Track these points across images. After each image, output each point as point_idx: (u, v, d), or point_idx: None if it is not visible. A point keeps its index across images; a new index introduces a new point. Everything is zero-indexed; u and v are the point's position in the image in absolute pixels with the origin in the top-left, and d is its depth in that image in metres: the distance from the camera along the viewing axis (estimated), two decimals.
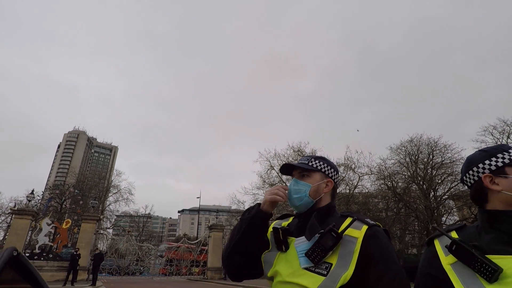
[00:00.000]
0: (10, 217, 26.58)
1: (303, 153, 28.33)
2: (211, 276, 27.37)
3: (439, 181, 23.82)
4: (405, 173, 25.10)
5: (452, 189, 23.06)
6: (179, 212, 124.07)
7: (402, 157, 25.32)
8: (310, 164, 1.38)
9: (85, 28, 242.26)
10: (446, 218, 24.61)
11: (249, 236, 1.30)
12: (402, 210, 25.06)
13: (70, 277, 17.97)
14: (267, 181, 29.56)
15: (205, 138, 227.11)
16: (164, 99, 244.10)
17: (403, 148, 25.30)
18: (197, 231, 67.30)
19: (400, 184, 25.27)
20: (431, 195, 23.86)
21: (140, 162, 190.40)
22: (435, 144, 24.09)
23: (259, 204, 1.33)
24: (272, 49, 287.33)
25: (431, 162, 24.19)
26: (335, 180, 1.41)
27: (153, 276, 29.51)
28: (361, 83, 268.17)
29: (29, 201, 22.72)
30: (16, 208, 22.73)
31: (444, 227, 1.18)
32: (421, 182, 24.25)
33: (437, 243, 1.06)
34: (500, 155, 1.05)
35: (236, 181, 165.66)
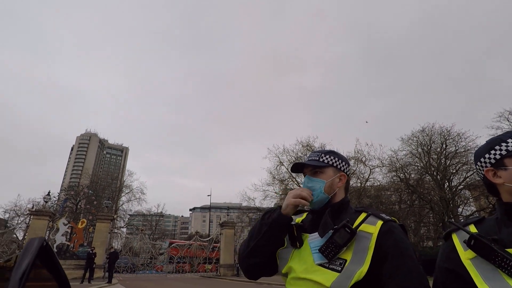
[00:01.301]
0: (28, 218, 27.31)
1: (312, 147, 28.14)
2: (224, 273, 27.56)
3: (454, 171, 23.31)
4: (418, 164, 24.66)
5: (467, 179, 22.54)
6: (190, 210, 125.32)
7: (414, 147, 24.88)
8: (321, 160, 1.35)
9: (92, 29, 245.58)
10: (463, 209, 24.11)
11: (268, 240, 1.28)
12: (416, 202, 24.67)
13: (87, 275, 18.38)
14: (276, 177, 29.52)
15: (214, 136, 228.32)
16: (172, 98, 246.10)
17: (414, 139, 24.85)
18: (209, 229, 67.75)
19: (413, 175, 24.86)
20: (445, 186, 23.39)
21: (150, 162, 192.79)
22: (448, 133, 23.57)
23: (280, 207, 1.29)
24: (276, 44, 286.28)
25: (444, 151, 23.68)
26: (348, 174, 1.39)
27: (166, 274, 29.86)
28: (369, 74, 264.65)
29: (46, 202, 23.27)
30: (34, 209, 23.38)
31: (461, 220, 1.12)
32: (434, 173, 23.77)
33: (455, 238, 1.03)
34: (497, 147, 1.01)
35: (246, 178, 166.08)
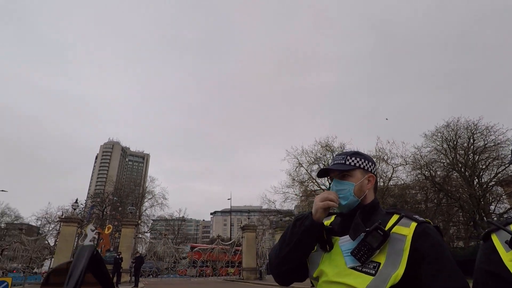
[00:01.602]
0: (59, 225, 28.46)
1: (331, 148, 27.77)
2: (247, 276, 27.55)
3: (483, 167, 22.22)
4: (444, 161, 23.71)
5: (499, 174, 21.42)
6: (211, 214, 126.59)
7: (438, 143, 23.95)
8: (348, 162, 1.31)
9: (108, 42, 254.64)
10: (495, 206, 22.89)
11: (300, 248, 1.25)
12: (444, 200, 23.74)
13: (114, 279, 18.91)
14: (296, 178, 29.33)
15: (233, 140, 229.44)
16: (190, 104, 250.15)
17: (439, 134, 23.91)
18: (230, 232, 68.14)
19: (439, 172, 23.94)
20: (475, 182, 22.33)
21: (171, 167, 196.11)
22: (475, 127, 22.49)
23: (311, 213, 1.24)
24: (290, 45, 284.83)
25: (472, 146, 22.64)
26: (376, 174, 1.36)
27: (190, 277, 30.22)
28: (387, 69, 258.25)
29: (74, 209, 24.18)
30: (63, 217, 24.33)
31: (494, 218, 1.04)
32: (462, 169, 22.77)
33: (495, 238, 0.97)
34: None
35: (265, 181, 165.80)
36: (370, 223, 1.12)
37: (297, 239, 1.23)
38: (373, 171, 1.33)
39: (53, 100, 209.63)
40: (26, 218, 48.32)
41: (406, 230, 1.08)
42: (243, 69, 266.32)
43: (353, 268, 1.10)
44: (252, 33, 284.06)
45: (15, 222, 46.80)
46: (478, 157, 22.38)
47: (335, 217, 1.39)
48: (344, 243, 1.18)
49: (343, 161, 1.32)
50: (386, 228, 1.09)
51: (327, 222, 1.36)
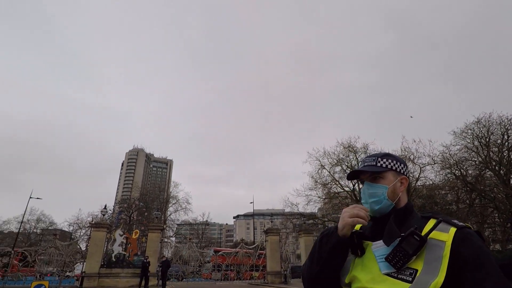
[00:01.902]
0: (89, 230, 29.62)
1: (354, 148, 27.22)
2: (272, 280, 27.40)
3: None
4: (475, 159, 22.54)
5: None
6: (234, 218, 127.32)
7: (469, 141, 22.78)
8: (379, 164, 1.26)
9: (129, 49, 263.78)
10: None
11: (330, 266, 1.21)
12: (477, 200, 22.59)
13: (143, 282, 19.38)
14: (318, 181, 28.97)
15: (253, 143, 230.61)
16: (211, 110, 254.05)
17: (469, 131, 22.74)
18: (253, 236, 68.11)
19: (470, 171, 22.82)
20: (511, 181, 21.06)
21: (195, 172, 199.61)
22: (509, 123, 21.23)
23: (336, 228, 1.20)
24: (311, 45, 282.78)
25: (506, 143, 21.39)
26: (408, 176, 1.30)
27: (215, 281, 30.45)
28: (411, 65, 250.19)
29: (103, 215, 25.09)
30: (93, 222, 25.32)
31: None
32: (496, 167, 21.55)
33: None
34: None
35: (287, 184, 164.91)
36: (405, 228, 1.08)
37: (325, 258, 1.20)
38: (405, 173, 1.28)
39: (81, 109, 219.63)
40: (59, 224, 50.94)
41: (445, 236, 1.03)
42: (263, 72, 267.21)
43: (388, 274, 1.06)
44: (272, 34, 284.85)
45: (50, 228, 49.17)
46: None
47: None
48: (378, 248, 1.14)
49: (374, 163, 1.27)
50: (423, 233, 1.04)
51: (357, 226, 1.31)
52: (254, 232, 76.96)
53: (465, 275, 0.96)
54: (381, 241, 1.14)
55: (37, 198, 34.22)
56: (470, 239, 1.02)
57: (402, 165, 1.29)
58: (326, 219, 33.74)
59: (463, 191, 22.88)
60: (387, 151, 1.34)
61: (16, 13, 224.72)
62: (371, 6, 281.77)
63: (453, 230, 1.04)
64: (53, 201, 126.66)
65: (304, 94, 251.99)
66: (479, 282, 0.94)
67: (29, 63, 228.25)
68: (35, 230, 48.93)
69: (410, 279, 1.01)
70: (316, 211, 37.67)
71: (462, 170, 22.58)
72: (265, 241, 30.34)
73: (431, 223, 1.09)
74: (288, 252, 35.44)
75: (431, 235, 1.04)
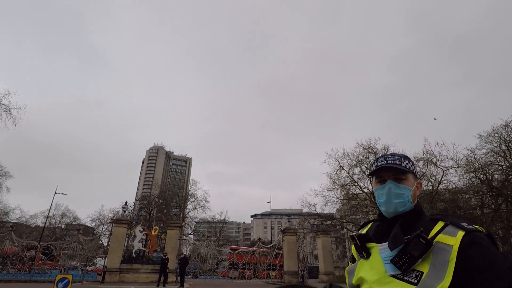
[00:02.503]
0: (111, 226, 30.61)
1: (374, 150, 26.64)
2: (288, 280, 27.37)
3: None
4: (502, 164, 21.49)
5: None
6: (251, 217, 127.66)
7: (495, 145, 21.75)
8: (404, 165, 1.24)
9: (150, 47, 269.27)
10: None
11: None
12: (503, 206, 21.58)
13: (162, 279, 19.84)
14: (337, 182, 28.56)
15: (273, 143, 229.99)
16: (230, 108, 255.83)
17: (496, 135, 21.70)
18: (271, 235, 68.08)
19: (496, 176, 21.81)
20: None
21: (213, 171, 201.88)
22: None
23: None
24: (333, 46, 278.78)
25: None
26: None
27: (233, 279, 30.77)
28: (437, 67, 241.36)
29: (124, 211, 25.86)
30: (114, 218, 26.14)
31: None
32: None
33: None
34: None
35: (305, 184, 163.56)
36: (413, 230, 1.08)
37: None
38: (419, 178, 1.30)
39: (106, 107, 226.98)
40: (83, 219, 52.83)
41: (452, 240, 1.01)
42: (282, 72, 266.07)
43: (393, 276, 1.06)
44: (294, 34, 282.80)
45: (73, 223, 50.84)
46: None
47: (372, 224, 1.37)
48: (384, 250, 1.14)
49: (399, 162, 1.24)
50: (429, 237, 1.03)
51: (363, 230, 1.36)
52: (271, 231, 76.98)
53: (472, 280, 0.94)
54: (387, 244, 1.14)
55: (62, 194, 35.78)
56: (479, 243, 0.99)
57: (416, 169, 1.30)
58: (344, 221, 33.28)
59: (488, 195, 21.93)
60: (407, 154, 1.34)
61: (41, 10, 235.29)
62: (395, 6, 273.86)
63: (461, 233, 1.02)
64: (77, 197, 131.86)
65: (325, 94, 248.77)
66: (487, 287, 0.91)
67: (57, 60, 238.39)
68: (60, 225, 50.79)
69: (416, 281, 1.00)
70: (334, 212, 37.21)
71: (487, 174, 21.61)
72: (282, 240, 30.34)
73: (439, 225, 1.08)
74: (306, 253, 35.20)
75: (438, 239, 1.03)
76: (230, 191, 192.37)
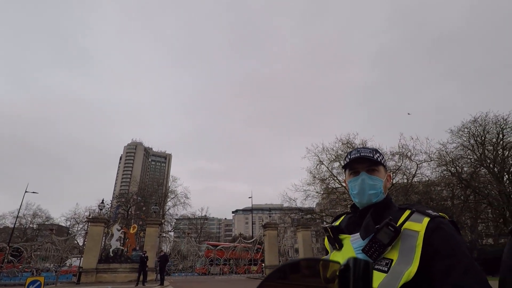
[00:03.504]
0: (86, 225, 29.63)
1: (353, 145, 27.28)
2: None
3: None
4: (471, 157, 22.73)
5: None
6: (233, 212, 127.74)
7: (465, 139, 22.97)
8: (376, 157, 1.28)
9: (133, 45, 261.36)
10: None
11: None
12: (471, 197, 22.80)
13: (141, 277, 19.47)
14: (317, 176, 29.08)
15: (254, 138, 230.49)
16: (212, 104, 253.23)
17: (465, 130, 22.93)
18: (252, 230, 68.54)
19: (465, 169, 23.01)
20: (505, 179, 21.31)
21: (196, 167, 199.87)
22: (504, 122, 21.42)
23: None
24: (317, 42, 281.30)
25: (501, 142, 21.60)
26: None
27: (214, 275, 30.71)
28: (415, 65, 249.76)
29: (101, 209, 25.08)
30: (90, 217, 25.31)
31: None
32: (491, 165, 21.77)
33: None
34: None
35: (287, 179, 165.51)
36: (382, 220, 1.11)
37: None
38: (395, 172, 1.33)
39: (79, 105, 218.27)
40: (56, 219, 50.58)
41: (418, 226, 1.05)
42: (267, 68, 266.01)
43: None
44: (279, 32, 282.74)
45: (46, 223, 48.72)
46: (508, 153, 21.34)
47: (344, 216, 1.39)
48: (356, 240, 1.17)
49: (371, 155, 1.28)
50: (398, 224, 1.07)
51: (336, 223, 1.37)
52: (252, 226, 77.44)
53: (435, 264, 0.98)
54: (358, 234, 1.17)
55: (33, 193, 34.04)
56: (443, 228, 1.03)
57: (386, 162, 1.35)
58: (324, 214, 33.95)
59: (458, 187, 23.09)
60: (383, 148, 1.38)
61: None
62: (380, 4, 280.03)
63: (426, 220, 1.05)
64: (50, 196, 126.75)
65: (308, 91, 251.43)
66: (448, 270, 0.95)
67: (25, 53, 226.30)
68: (31, 225, 48.58)
69: (386, 269, 1.03)
70: (314, 206, 37.90)
71: (457, 167, 22.78)
72: (263, 235, 30.54)
73: (406, 213, 1.12)
74: (286, 247, 35.66)
75: (405, 226, 1.06)
76: (213, 187, 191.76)
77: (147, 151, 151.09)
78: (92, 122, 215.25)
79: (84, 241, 25.66)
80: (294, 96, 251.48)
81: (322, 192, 30.04)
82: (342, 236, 1.23)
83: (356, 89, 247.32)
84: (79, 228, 43.67)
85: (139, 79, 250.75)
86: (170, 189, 49.86)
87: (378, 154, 1.30)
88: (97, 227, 23.16)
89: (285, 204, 34.35)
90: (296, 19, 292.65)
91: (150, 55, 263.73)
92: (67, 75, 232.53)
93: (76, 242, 33.47)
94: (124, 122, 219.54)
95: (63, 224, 48.96)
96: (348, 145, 27.42)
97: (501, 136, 21.70)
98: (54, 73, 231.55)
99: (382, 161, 1.29)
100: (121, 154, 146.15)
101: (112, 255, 23.21)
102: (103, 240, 24.21)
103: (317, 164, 28.61)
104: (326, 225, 1.30)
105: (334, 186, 29.21)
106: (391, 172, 19.45)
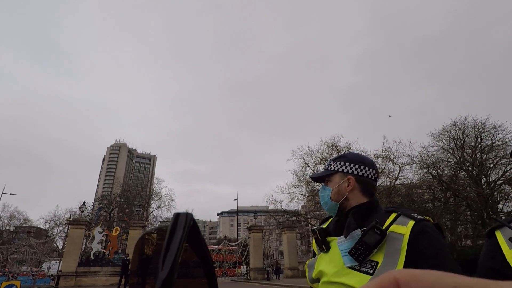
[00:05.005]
0: (67, 227, 28.73)
1: (338, 147, 27.63)
2: (254, 276, 27.57)
3: (491, 165, 21.97)
4: (451, 160, 23.48)
5: (507, 173, 21.15)
6: (218, 214, 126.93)
7: (445, 142, 23.74)
8: (329, 168, 1.35)
9: (116, 45, 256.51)
10: (503, 205, 22.59)
11: None
12: (451, 199, 23.48)
13: (123, 281, 19.04)
14: (302, 178, 29.21)
15: (239, 140, 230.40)
16: (198, 105, 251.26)
17: (446, 133, 23.70)
18: (237, 233, 68.27)
19: (446, 171, 23.71)
20: (483, 181, 22.08)
21: (181, 169, 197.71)
22: (482, 126, 22.25)
23: None
24: (300, 45, 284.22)
25: (479, 145, 22.41)
26: (360, 174, 1.29)
27: None
28: (397, 69, 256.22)
29: (82, 212, 24.41)
30: (71, 219, 24.58)
31: (503, 217, 1.04)
32: (470, 168, 22.54)
33: (499, 235, 0.97)
34: None
35: (272, 181, 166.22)
36: (368, 223, 1.12)
37: None
38: (356, 173, 1.29)
39: (61, 105, 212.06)
40: (35, 221, 48.88)
41: (404, 229, 1.06)
42: (252, 71, 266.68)
43: (351, 267, 1.10)
44: (264, 35, 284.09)
45: (24, 225, 47.14)
46: (486, 156, 22.12)
47: (332, 219, 1.40)
48: (342, 243, 1.18)
49: (328, 167, 1.37)
50: (384, 227, 1.07)
51: (324, 225, 1.40)
52: (238, 229, 77.13)
53: (420, 266, 0.99)
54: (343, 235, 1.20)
55: (11, 194, 32.87)
56: (427, 231, 1.04)
57: (352, 165, 1.30)
58: (309, 216, 34.16)
59: (439, 190, 23.73)
60: (367, 151, 1.41)
61: None
62: (363, 8, 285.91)
63: (411, 223, 1.07)
64: (29, 197, 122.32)
65: (292, 94, 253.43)
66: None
67: (3, 53, 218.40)
68: (8, 228, 46.86)
69: (371, 271, 1.04)
70: (299, 208, 38.12)
71: (438, 170, 23.44)
72: (249, 237, 30.46)
73: (392, 217, 1.12)
74: (271, 249, 35.70)
75: (391, 229, 1.07)
76: (198, 189, 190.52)
77: (131, 153, 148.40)
78: (74, 123, 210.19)
79: (64, 244, 24.86)
80: (278, 99, 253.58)
81: (307, 195, 30.21)
82: (330, 238, 1.26)
83: (339, 92, 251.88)
84: (58, 231, 42.26)
85: (123, 80, 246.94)
86: (154, 191, 49.03)
87: (336, 163, 1.35)
88: (78, 229, 22.58)
89: (271, 206, 34.34)
90: (279, 23, 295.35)
91: (133, 56, 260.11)
92: (47, 75, 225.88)
93: (55, 245, 32.36)
94: (108, 123, 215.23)
95: (42, 227, 47.31)
96: (333, 147, 27.74)
97: (479, 139, 22.51)
98: (33, 73, 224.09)
99: (337, 168, 1.32)
100: (104, 155, 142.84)
101: (93, 258, 22.63)
102: (84, 243, 23.57)
103: (303, 167, 28.80)
104: (315, 227, 1.32)
105: (319, 189, 29.44)
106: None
